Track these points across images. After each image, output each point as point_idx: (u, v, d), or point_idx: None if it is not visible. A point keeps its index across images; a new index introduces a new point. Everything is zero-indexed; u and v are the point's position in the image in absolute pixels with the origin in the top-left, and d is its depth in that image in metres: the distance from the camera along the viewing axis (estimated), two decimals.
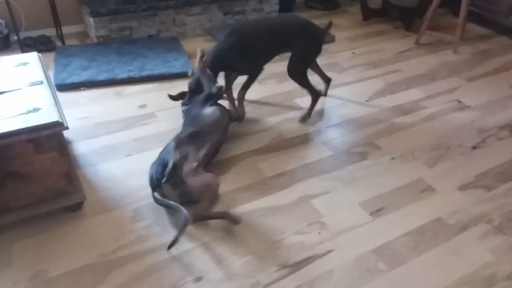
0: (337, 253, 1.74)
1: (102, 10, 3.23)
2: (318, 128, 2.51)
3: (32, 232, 1.77)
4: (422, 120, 2.63)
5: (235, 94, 2.48)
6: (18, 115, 1.60)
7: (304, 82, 2.46)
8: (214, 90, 2.20)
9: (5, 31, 3.19)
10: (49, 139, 1.62)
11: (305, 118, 2.56)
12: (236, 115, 2.41)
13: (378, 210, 1.95)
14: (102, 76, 2.87)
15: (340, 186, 2.09)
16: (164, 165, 1.88)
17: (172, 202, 1.80)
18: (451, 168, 2.24)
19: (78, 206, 1.87)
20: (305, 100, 2.73)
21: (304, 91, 2.56)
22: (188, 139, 1.99)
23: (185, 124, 2.15)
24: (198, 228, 1.82)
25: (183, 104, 2.37)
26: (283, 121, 2.55)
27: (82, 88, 2.80)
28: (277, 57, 2.52)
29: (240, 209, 1.92)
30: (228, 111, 2.29)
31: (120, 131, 2.40)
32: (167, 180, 1.83)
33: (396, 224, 1.88)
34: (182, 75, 2.92)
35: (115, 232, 1.79)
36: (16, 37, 3.10)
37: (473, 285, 1.63)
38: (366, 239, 1.81)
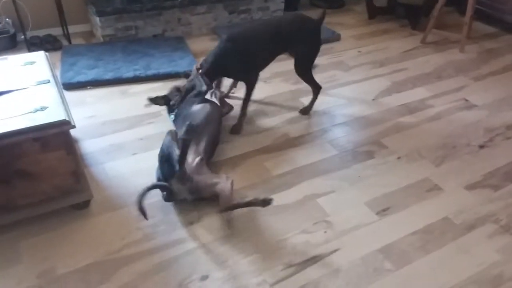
0: (343, 252, 1.74)
1: (108, 9, 3.24)
2: (324, 127, 2.51)
3: (40, 230, 1.78)
4: (428, 119, 2.62)
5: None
6: (25, 113, 1.61)
7: (310, 79, 2.50)
8: (203, 88, 2.20)
9: (12, 31, 3.21)
10: (56, 138, 1.63)
11: (306, 111, 2.58)
12: (227, 109, 2.47)
13: (384, 210, 1.95)
14: (108, 75, 2.88)
15: (346, 185, 2.08)
16: (169, 162, 1.85)
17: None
18: (458, 167, 2.23)
19: (85, 204, 1.87)
20: (310, 99, 2.72)
21: (308, 88, 2.57)
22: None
23: (178, 126, 2.16)
24: (204, 227, 1.82)
25: (171, 109, 2.34)
26: (288, 120, 2.55)
27: (88, 87, 2.81)
28: (282, 56, 2.52)
29: (244, 209, 1.92)
30: (217, 105, 2.32)
31: (126, 130, 2.41)
32: (179, 165, 1.77)
33: (402, 224, 1.88)
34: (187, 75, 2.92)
35: (121, 230, 1.80)
36: (22, 37, 3.11)
37: (480, 284, 1.63)
38: (372, 238, 1.80)
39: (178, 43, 3.36)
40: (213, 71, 2.28)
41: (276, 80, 2.96)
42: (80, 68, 2.94)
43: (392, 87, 2.95)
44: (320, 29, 2.41)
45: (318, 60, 3.23)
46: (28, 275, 1.60)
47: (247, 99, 2.38)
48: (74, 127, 1.64)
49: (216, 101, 2.33)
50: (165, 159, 1.85)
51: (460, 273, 1.67)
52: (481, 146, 2.39)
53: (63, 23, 3.36)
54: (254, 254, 1.72)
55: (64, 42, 3.35)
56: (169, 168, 1.81)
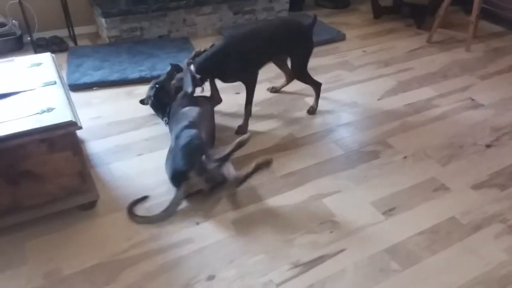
0: (349, 252, 1.73)
1: (114, 10, 3.26)
2: (329, 127, 2.50)
3: (45, 230, 1.79)
4: (434, 118, 2.61)
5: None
6: (32, 115, 1.62)
7: (308, 79, 2.54)
8: (189, 89, 2.20)
9: (19, 32, 3.23)
10: (62, 139, 1.63)
11: (313, 110, 2.61)
12: (218, 99, 2.50)
13: (390, 210, 1.94)
14: (114, 76, 2.89)
15: (352, 185, 2.08)
16: (181, 155, 1.89)
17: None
18: (464, 167, 2.21)
19: (92, 205, 1.88)
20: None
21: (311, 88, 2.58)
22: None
23: (173, 129, 2.14)
24: (210, 227, 1.83)
25: (163, 112, 2.36)
26: (294, 120, 2.55)
27: (94, 88, 2.83)
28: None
29: (251, 208, 1.92)
30: (207, 98, 2.36)
31: (132, 131, 2.42)
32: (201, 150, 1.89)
33: (408, 224, 1.87)
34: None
35: (127, 231, 1.80)
36: (29, 38, 3.13)
37: (487, 285, 1.61)
38: (379, 238, 1.80)
39: (183, 44, 3.37)
40: (206, 70, 2.27)
41: (281, 80, 2.95)
42: (86, 69, 2.96)
43: (397, 87, 2.94)
44: (312, 33, 2.48)
45: (323, 60, 3.25)
46: (34, 275, 1.61)
47: (249, 100, 2.38)
48: (80, 128, 1.64)
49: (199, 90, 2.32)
50: (189, 151, 1.89)
51: (467, 273, 1.66)
52: (488, 146, 2.38)
53: (69, 25, 3.38)
54: (260, 254, 1.72)
55: (70, 44, 3.37)
56: (184, 164, 1.86)
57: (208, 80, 2.38)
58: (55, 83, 1.84)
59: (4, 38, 3.16)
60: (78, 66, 2.99)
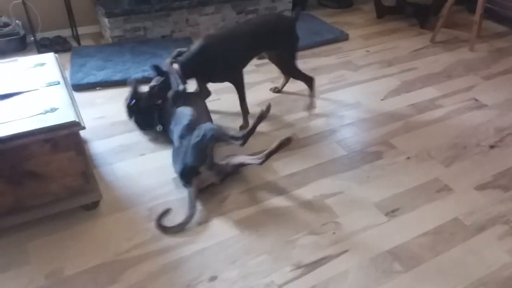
0: (352, 253, 1.73)
1: (117, 10, 3.26)
2: (332, 127, 2.50)
3: (49, 230, 1.79)
4: (438, 119, 2.60)
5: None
6: (35, 115, 1.62)
7: (298, 75, 2.54)
8: (181, 87, 2.18)
9: (22, 32, 3.24)
10: (66, 139, 1.64)
11: (311, 105, 2.61)
12: (207, 92, 2.51)
13: (393, 211, 1.93)
14: (117, 76, 2.89)
15: (355, 186, 2.07)
16: (192, 151, 1.90)
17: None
18: (468, 168, 2.20)
19: (95, 205, 1.88)
20: (319, 100, 2.72)
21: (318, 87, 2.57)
22: (187, 132, 2.01)
23: (173, 130, 2.14)
24: (212, 228, 1.83)
25: (155, 119, 2.34)
26: (296, 120, 2.54)
27: (98, 88, 2.83)
28: None
29: (253, 209, 1.92)
30: (196, 93, 2.39)
31: (135, 131, 2.42)
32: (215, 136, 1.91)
33: (412, 225, 1.86)
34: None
35: (130, 231, 1.80)
36: (32, 38, 3.14)
37: (490, 286, 1.61)
38: (381, 239, 1.79)
39: (186, 44, 3.36)
40: (190, 70, 2.23)
41: (282, 80, 2.95)
42: (90, 69, 2.96)
43: (401, 87, 2.93)
44: (295, 27, 2.43)
45: (326, 60, 3.25)
46: (37, 275, 1.61)
47: (241, 97, 2.37)
48: (84, 128, 1.65)
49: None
50: (200, 146, 1.90)
51: (471, 274, 1.65)
52: (492, 146, 2.37)
53: (73, 25, 3.39)
54: (262, 255, 1.71)
55: (74, 44, 3.38)
56: (194, 160, 1.88)
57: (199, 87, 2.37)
58: (58, 83, 1.85)
59: (7, 38, 3.16)
60: (81, 66, 3.00)
